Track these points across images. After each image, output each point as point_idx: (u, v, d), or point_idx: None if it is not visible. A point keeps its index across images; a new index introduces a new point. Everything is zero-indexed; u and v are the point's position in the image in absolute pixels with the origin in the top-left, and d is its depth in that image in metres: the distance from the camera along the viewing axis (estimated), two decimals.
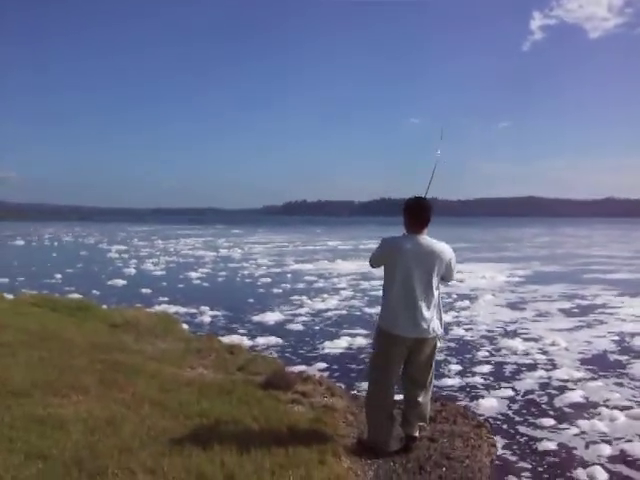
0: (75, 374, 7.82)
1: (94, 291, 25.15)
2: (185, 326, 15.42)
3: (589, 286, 29.34)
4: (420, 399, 6.38)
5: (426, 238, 6.17)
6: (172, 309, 20.47)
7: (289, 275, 33.47)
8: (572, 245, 68.73)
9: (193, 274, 33.75)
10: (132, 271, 35.70)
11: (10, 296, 17.71)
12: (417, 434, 6.50)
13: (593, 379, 11.96)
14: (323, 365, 12.63)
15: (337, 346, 14.59)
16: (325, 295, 24.84)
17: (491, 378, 11.90)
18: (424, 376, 6.39)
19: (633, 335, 16.68)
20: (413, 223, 6.21)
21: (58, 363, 8.35)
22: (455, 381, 11.55)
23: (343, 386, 9.58)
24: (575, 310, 21.75)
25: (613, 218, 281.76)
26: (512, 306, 22.68)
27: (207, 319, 18.55)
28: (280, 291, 26.50)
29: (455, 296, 24.69)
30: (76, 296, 22.25)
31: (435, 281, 6.14)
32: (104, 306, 17.31)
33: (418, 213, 6.22)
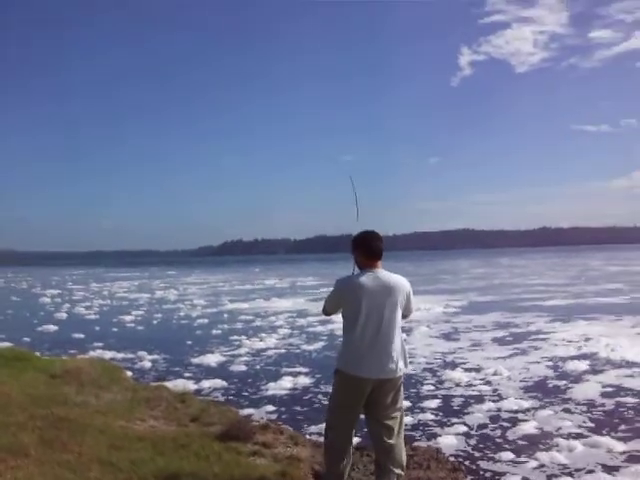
0: (13, 434, 6.92)
1: (25, 338, 24.00)
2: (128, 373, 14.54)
3: (523, 314, 29.65)
4: (392, 441, 5.85)
5: (384, 272, 5.84)
6: (107, 354, 19.72)
7: (226, 315, 32.86)
8: (507, 275, 69.24)
9: (127, 317, 32.72)
10: (64, 315, 34.42)
11: None
12: None
13: (541, 407, 12.02)
14: (270, 408, 12.27)
15: (281, 387, 14.29)
16: (263, 334, 24.35)
17: (441, 413, 11.75)
18: (393, 418, 5.91)
19: (566, 359, 17.14)
20: (367, 258, 5.85)
21: None
22: (407, 419, 10.91)
23: (291, 429, 8.90)
24: (511, 338, 22.04)
25: (548, 247, 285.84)
26: (448, 337, 22.89)
27: (147, 364, 17.84)
28: (218, 332, 25.89)
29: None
30: (7, 344, 21.47)
31: (399, 316, 5.82)
32: (40, 354, 16.29)
33: (371, 247, 5.86)
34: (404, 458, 6.07)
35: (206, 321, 30.23)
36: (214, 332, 25.79)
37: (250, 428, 7.36)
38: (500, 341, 21.47)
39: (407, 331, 24.05)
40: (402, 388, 6.08)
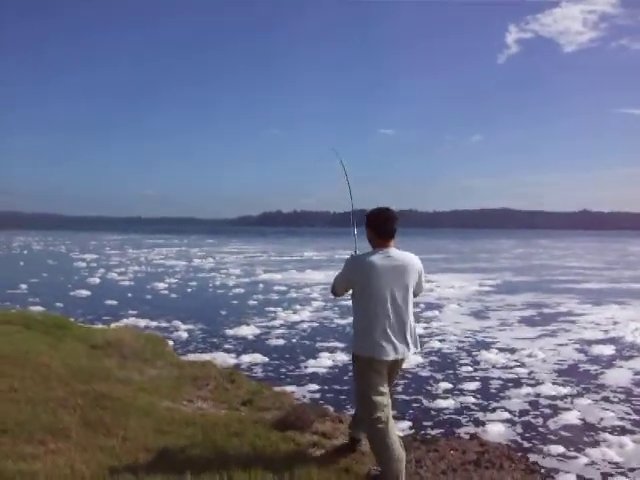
0: (52, 411, 6.27)
1: (58, 303, 23.65)
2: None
3: (556, 295, 29.50)
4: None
5: (396, 251, 5.53)
6: (141, 322, 19.29)
7: (261, 285, 32.48)
8: (546, 256, 68.26)
9: (162, 284, 32.40)
10: (98, 281, 34.13)
11: None
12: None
13: (579, 395, 11.75)
14: (314, 387, 11.85)
15: (320, 364, 13.87)
16: (297, 306, 24.01)
17: (481, 397, 11.48)
18: (391, 394, 5.67)
19: (594, 343, 17.00)
20: (380, 237, 5.56)
21: (32, 396, 6.81)
22: (449, 402, 11.05)
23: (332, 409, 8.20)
24: (541, 318, 22.03)
25: (588, 231, 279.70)
26: (478, 315, 22.80)
27: (183, 334, 17.26)
28: (253, 302, 25.51)
29: (423, 305, 24.64)
30: (40, 309, 20.90)
31: (411, 296, 5.56)
32: (74, 321, 15.67)
33: (384, 225, 5.57)
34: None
35: (241, 291, 29.77)
36: (249, 302, 25.36)
37: (308, 416, 6.62)
38: (530, 321, 21.34)
39: (438, 307, 24.21)
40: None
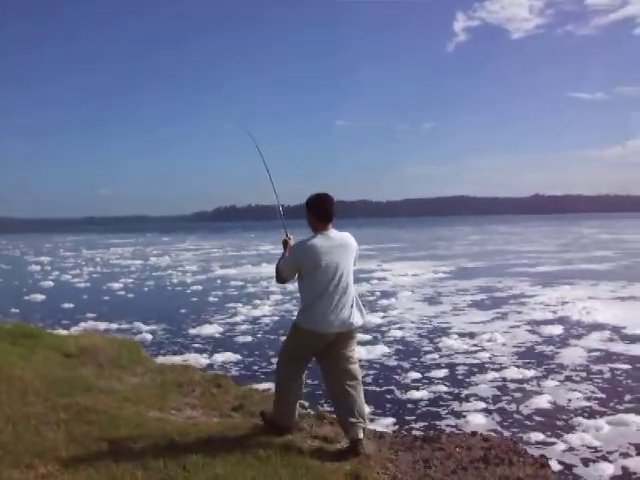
0: (35, 429, 5.71)
1: (14, 309, 22.89)
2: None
3: (508, 279, 30.16)
4: (353, 393, 5.80)
5: (335, 232, 5.87)
6: (100, 325, 18.85)
7: (219, 281, 32.23)
8: (501, 242, 68.96)
9: (119, 284, 31.93)
10: (53, 284, 33.50)
11: None
12: (362, 435, 5.69)
13: (543, 377, 12.06)
14: None
15: None
16: (257, 301, 23.83)
17: (451, 385, 11.65)
18: (351, 368, 5.85)
19: (545, 323, 17.80)
20: (320, 221, 5.84)
21: (11, 413, 6.20)
22: (423, 393, 11.15)
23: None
24: (491, 302, 22.66)
25: (541, 215, 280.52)
26: (433, 301, 23.34)
27: (147, 336, 16.92)
28: (213, 299, 25.30)
29: (379, 293, 25.43)
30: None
31: (352, 271, 5.89)
32: (62, 332, 15.15)
33: (323, 209, 5.86)
34: (365, 409, 6.02)
35: (200, 288, 29.46)
36: (209, 299, 25.13)
37: (302, 419, 6.26)
38: (485, 305, 21.94)
39: (392, 295, 24.70)
40: (355, 340, 6.03)
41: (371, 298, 24.13)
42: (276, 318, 19.79)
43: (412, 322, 18.54)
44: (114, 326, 18.77)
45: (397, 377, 12.33)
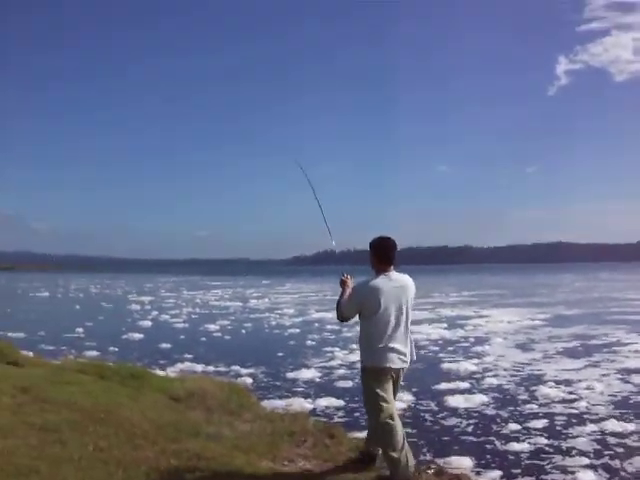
0: (146, 476, 5.60)
1: (112, 347, 23.11)
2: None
3: (606, 326, 29.34)
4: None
5: (396, 274, 6.22)
6: (197, 367, 18.62)
7: (316, 324, 31.86)
8: (605, 289, 66.58)
9: (217, 326, 31.86)
10: (151, 323, 33.68)
11: (55, 360, 15.10)
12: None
13: None
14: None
15: (397, 407, 12.81)
16: (353, 345, 22.79)
17: (551, 437, 11.10)
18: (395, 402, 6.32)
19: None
20: (382, 262, 6.21)
21: (120, 457, 6.14)
22: (523, 445, 10.63)
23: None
24: (594, 350, 21.92)
25: None
26: (526, 348, 22.92)
27: (247, 380, 16.44)
28: (310, 342, 25.01)
29: (472, 339, 25.33)
30: (95, 353, 20.75)
31: (410, 311, 6.19)
32: (160, 372, 15.04)
33: (387, 254, 6.24)
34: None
35: (297, 331, 29.28)
36: (306, 343, 24.89)
37: (425, 476, 5.89)
38: (576, 353, 21.42)
39: (486, 342, 24.46)
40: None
41: (465, 344, 23.99)
42: None
43: (505, 369, 18.21)
44: (211, 368, 18.53)
45: (496, 427, 11.90)
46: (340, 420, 12.11)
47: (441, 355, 21.52)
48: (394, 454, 5.94)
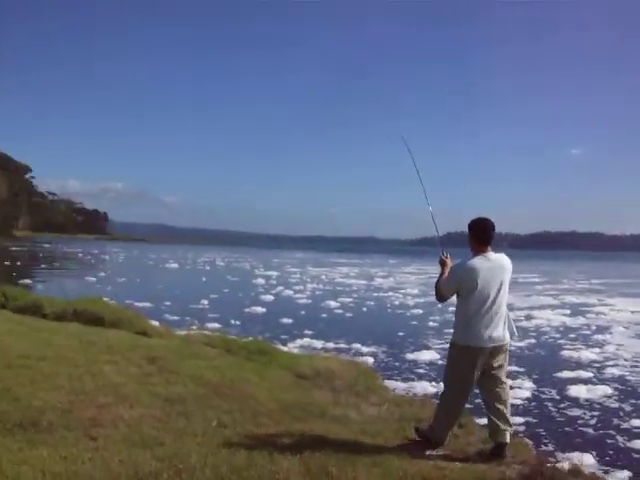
0: (269, 456, 5.42)
1: (235, 320, 23.28)
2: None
3: None
4: (503, 402, 6.31)
5: (492, 254, 6.28)
6: (317, 344, 18.52)
7: (439, 305, 31.21)
8: None
9: (338, 303, 31.76)
10: (274, 298, 33.79)
11: (180, 331, 15.51)
12: (508, 440, 6.27)
13: None
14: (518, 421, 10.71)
15: (519, 396, 12.74)
16: None
17: None
18: (502, 383, 6.35)
19: None
20: (480, 243, 6.30)
21: (243, 433, 6.11)
22: None
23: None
24: None
25: None
26: None
27: (368, 359, 16.07)
28: (431, 324, 24.67)
29: (594, 327, 24.88)
30: (217, 325, 21.03)
31: (507, 290, 6.27)
32: (285, 348, 15.14)
33: (485, 235, 6.33)
34: (510, 417, 6.40)
35: (420, 312, 28.86)
36: (428, 324, 24.54)
37: (556, 473, 5.49)
38: None
39: (606, 330, 24.17)
40: (507, 355, 6.40)
41: (586, 332, 23.70)
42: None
43: (626, 360, 17.64)
44: (331, 345, 18.43)
45: (619, 421, 11.35)
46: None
47: (561, 342, 21.11)
48: (438, 429, 6.34)
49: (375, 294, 38.35)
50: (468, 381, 6.19)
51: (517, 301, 35.16)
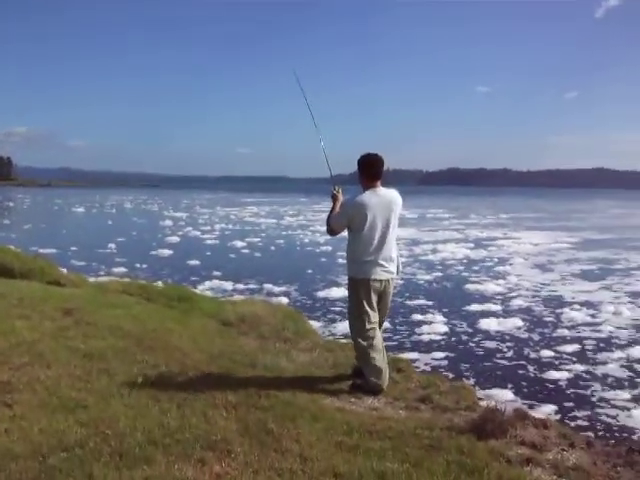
0: (202, 414, 5.03)
1: (141, 264, 22.79)
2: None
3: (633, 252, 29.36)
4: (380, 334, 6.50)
5: (382, 189, 6.35)
6: (226, 285, 18.23)
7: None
8: None
9: (245, 242, 31.58)
10: (181, 239, 33.29)
11: (93, 278, 14.75)
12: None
13: None
14: (437, 356, 11.30)
15: (435, 331, 13.07)
16: None
17: (589, 365, 10.93)
18: (385, 314, 6.58)
19: None
20: (370, 179, 6.34)
21: (173, 391, 5.65)
22: (562, 374, 10.38)
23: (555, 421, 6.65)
24: (620, 274, 22.18)
25: None
26: (546, 269, 23.42)
27: (282, 300, 15.85)
28: (342, 260, 23.42)
29: (496, 260, 26.03)
30: (123, 269, 20.73)
31: (396, 225, 6.37)
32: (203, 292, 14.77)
33: (373, 170, 6.36)
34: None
35: (330, 248, 28.70)
36: (338, 261, 24.09)
37: (505, 418, 5.30)
38: (594, 276, 21.75)
39: (507, 261, 25.45)
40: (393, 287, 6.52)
41: (489, 264, 24.72)
42: (400, 282, 18.94)
43: (528, 290, 18.60)
44: (240, 286, 18.16)
45: (531, 353, 11.75)
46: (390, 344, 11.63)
47: (467, 274, 21.94)
48: (369, 371, 6.27)
49: (284, 232, 38.12)
50: (371, 308, 6.23)
51: (424, 235, 35.75)
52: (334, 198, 6.58)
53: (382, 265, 6.21)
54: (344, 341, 9.17)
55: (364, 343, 6.23)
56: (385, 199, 6.32)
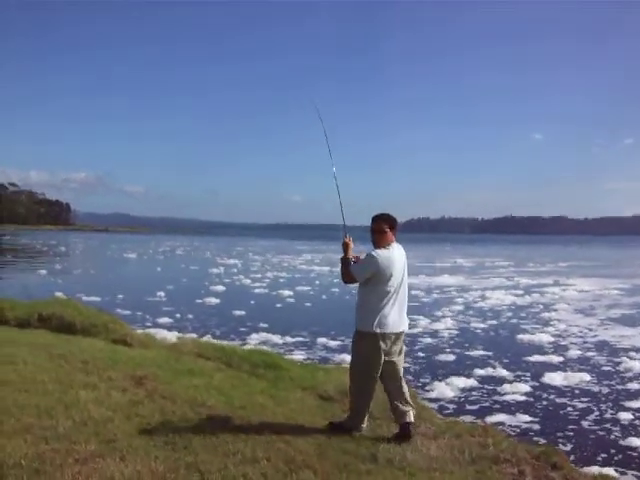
0: None
1: (188, 314, 21.99)
2: None
3: None
4: (404, 385, 6.64)
5: (399, 245, 6.66)
6: (274, 339, 17.22)
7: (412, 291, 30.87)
8: None
9: (296, 291, 31.12)
10: (226, 288, 32.35)
11: (164, 334, 13.93)
12: (412, 419, 6.55)
13: None
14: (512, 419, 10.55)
15: (518, 390, 12.32)
16: (438, 312, 23.79)
17: None
18: (399, 367, 6.60)
19: None
20: (394, 235, 6.63)
21: None
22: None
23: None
24: None
25: None
26: (594, 315, 23.57)
27: (340, 357, 14.62)
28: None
29: (541, 306, 25.93)
30: (169, 320, 20.28)
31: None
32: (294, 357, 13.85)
33: (396, 225, 6.70)
34: (409, 397, 6.67)
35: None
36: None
37: None
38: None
39: (549, 306, 25.92)
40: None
41: (534, 310, 24.98)
42: (454, 331, 19.58)
43: (577, 336, 18.89)
44: (289, 339, 17.31)
45: (608, 413, 11.08)
46: (449, 408, 11.11)
47: (514, 321, 22.14)
48: (358, 418, 6.63)
49: (337, 280, 37.85)
50: (377, 365, 6.42)
51: (474, 283, 35.61)
52: (346, 246, 6.78)
53: (397, 319, 6.44)
54: (467, 420, 8.96)
55: (364, 398, 6.56)
56: (402, 254, 6.65)
